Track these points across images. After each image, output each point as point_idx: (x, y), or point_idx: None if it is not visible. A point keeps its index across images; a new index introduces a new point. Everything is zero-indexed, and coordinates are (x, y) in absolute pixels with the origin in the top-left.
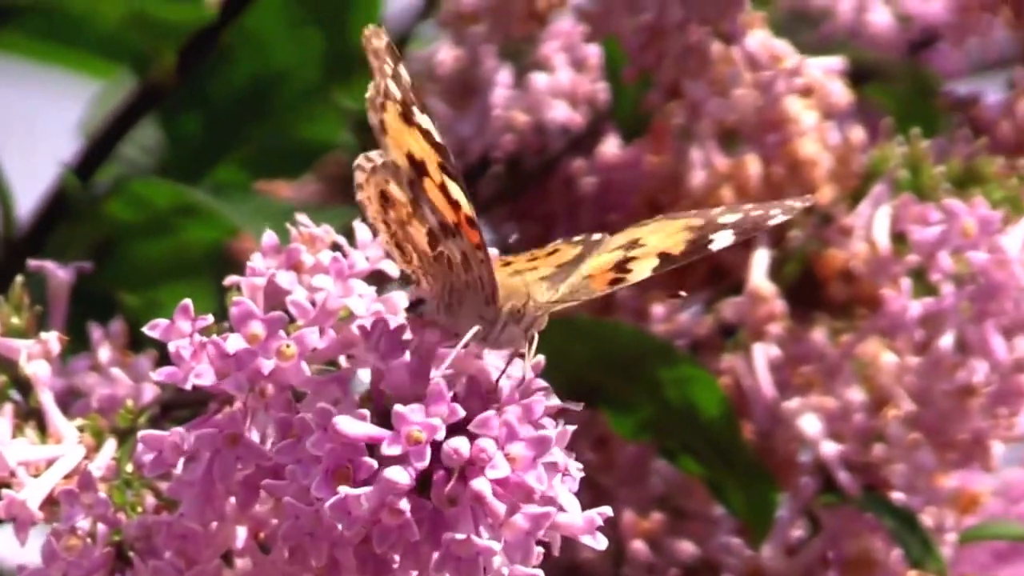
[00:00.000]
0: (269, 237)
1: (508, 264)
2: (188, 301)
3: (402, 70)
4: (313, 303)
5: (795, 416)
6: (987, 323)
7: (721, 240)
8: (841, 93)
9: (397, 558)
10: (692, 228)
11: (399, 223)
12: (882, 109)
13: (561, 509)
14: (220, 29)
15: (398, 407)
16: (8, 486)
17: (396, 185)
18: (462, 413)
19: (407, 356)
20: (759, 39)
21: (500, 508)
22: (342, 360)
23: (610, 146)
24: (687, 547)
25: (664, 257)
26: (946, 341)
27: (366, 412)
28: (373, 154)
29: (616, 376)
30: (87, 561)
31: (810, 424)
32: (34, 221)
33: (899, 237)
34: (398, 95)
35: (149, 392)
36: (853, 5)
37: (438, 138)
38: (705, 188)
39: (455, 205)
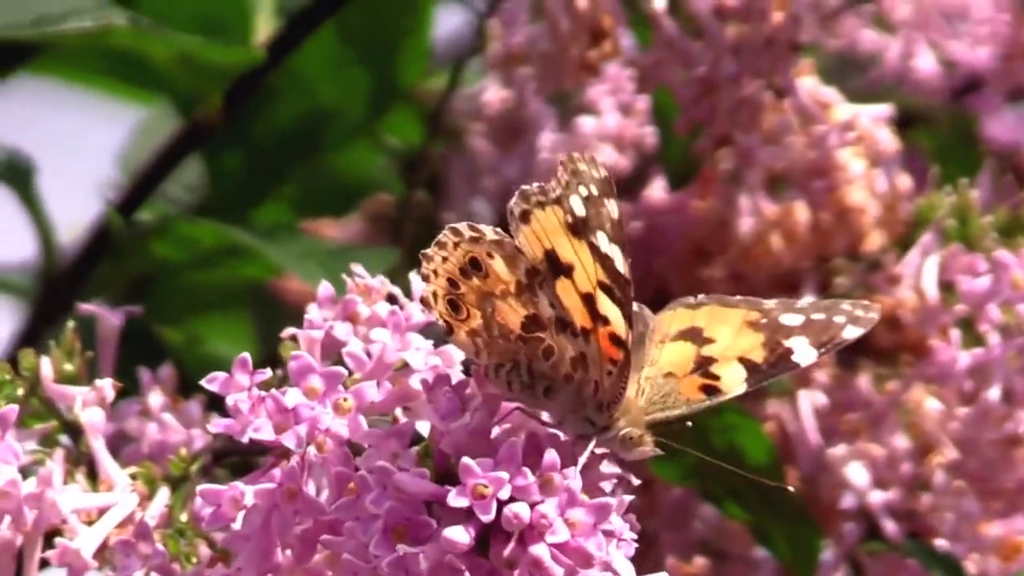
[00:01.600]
0: (325, 288)
1: None
2: (247, 355)
3: (609, 202)
4: (369, 355)
5: (841, 463)
6: None
7: (801, 352)
8: (889, 141)
9: None
10: (756, 324)
11: (481, 292)
12: (925, 154)
13: (616, 575)
14: (267, 71)
15: (466, 459)
16: (59, 533)
17: (504, 263)
18: (531, 478)
19: (467, 417)
20: (808, 87)
21: (558, 573)
22: (398, 412)
23: (656, 190)
24: None
25: (748, 366)
26: (994, 393)
27: (426, 471)
28: (482, 226)
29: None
30: None
31: (856, 472)
32: (76, 257)
33: (946, 286)
34: (579, 212)
35: (200, 439)
36: (900, 51)
37: (621, 269)
38: (753, 235)
39: (598, 318)
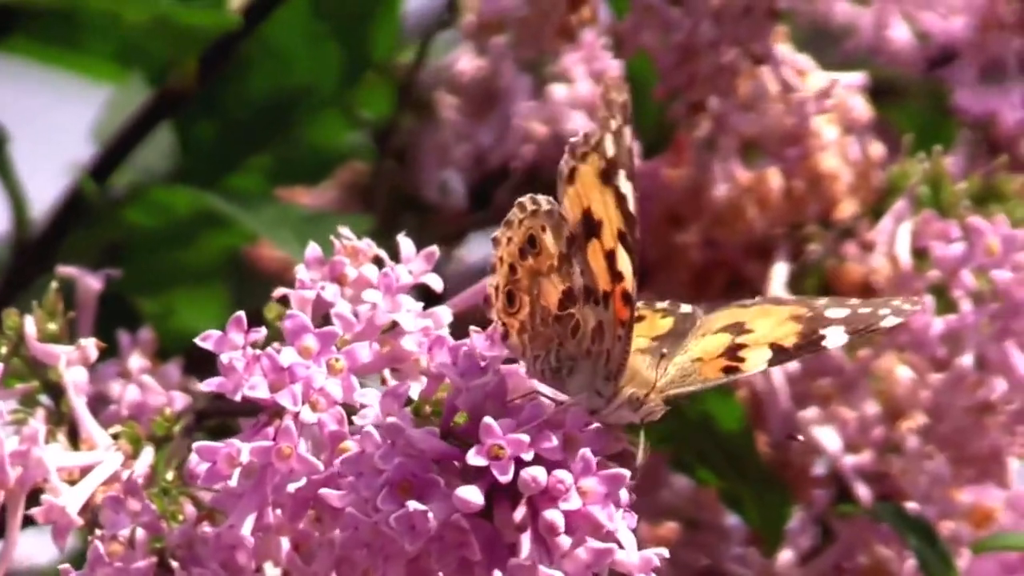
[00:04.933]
0: (313, 250)
1: None
2: (241, 314)
3: (627, 131)
4: (356, 316)
5: (811, 427)
6: (1008, 341)
7: (833, 337)
8: (862, 109)
9: None
10: (799, 317)
11: (532, 272)
12: (898, 126)
13: (619, 545)
14: (242, 37)
15: (487, 419)
16: (41, 491)
17: (552, 235)
18: (554, 441)
19: (489, 376)
20: (782, 53)
21: (567, 540)
22: (386, 373)
23: None
24: (700, 557)
25: (776, 349)
26: (967, 360)
27: (436, 429)
28: (540, 198)
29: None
30: (132, 567)
31: (827, 436)
32: (48, 224)
33: (918, 253)
34: (610, 152)
35: (180, 400)
36: (874, 22)
37: (632, 208)
38: (727, 201)
39: (616, 276)
